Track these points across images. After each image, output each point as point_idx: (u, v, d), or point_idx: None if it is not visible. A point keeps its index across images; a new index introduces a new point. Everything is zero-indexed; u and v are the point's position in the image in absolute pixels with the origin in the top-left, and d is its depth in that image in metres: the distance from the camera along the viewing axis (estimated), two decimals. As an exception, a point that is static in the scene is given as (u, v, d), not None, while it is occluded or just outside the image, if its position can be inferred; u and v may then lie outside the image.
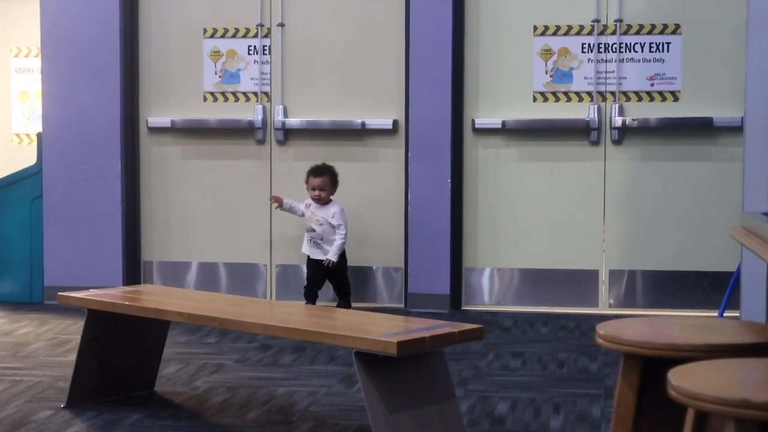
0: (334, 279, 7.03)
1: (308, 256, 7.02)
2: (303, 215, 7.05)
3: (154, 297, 5.01)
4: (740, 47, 6.51)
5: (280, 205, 7.07)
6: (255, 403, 4.94)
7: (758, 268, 4.90)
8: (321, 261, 6.93)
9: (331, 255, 6.89)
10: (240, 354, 5.98)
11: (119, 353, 4.97)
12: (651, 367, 2.88)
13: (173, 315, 4.60)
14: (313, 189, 6.97)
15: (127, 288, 5.56)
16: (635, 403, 2.91)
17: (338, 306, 6.91)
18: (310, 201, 7.01)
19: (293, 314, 4.64)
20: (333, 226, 6.93)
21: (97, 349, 4.90)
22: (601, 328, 3.00)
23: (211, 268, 7.61)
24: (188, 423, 4.65)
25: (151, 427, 4.56)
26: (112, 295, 5.00)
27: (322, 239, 6.94)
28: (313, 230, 6.96)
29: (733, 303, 6.14)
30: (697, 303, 7.04)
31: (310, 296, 7.04)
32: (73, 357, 5.04)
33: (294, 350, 6.03)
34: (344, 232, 6.93)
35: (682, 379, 2.34)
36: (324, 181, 6.96)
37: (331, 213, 6.94)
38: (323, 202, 6.99)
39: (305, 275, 7.09)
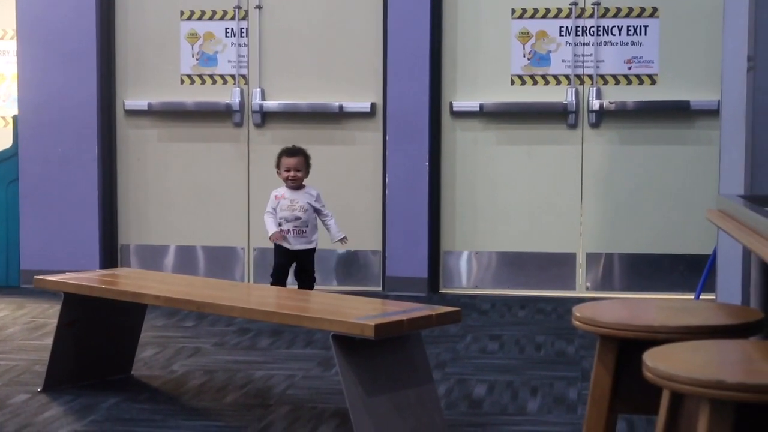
0: (306, 268, 6.48)
1: (280, 247, 6.41)
2: (275, 210, 6.43)
3: (132, 280, 5.00)
4: (717, 30, 6.54)
5: (280, 236, 6.37)
6: (233, 387, 4.94)
7: (734, 250, 4.93)
8: (299, 250, 6.39)
9: (341, 232, 6.43)
10: (218, 337, 5.98)
11: (96, 337, 4.95)
12: (627, 349, 2.89)
13: (150, 298, 4.58)
14: (288, 170, 6.41)
15: (104, 271, 5.55)
16: (611, 385, 2.92)
17: None
18: (280, 190, 6.43)
19: (271, 297, 4.64)
20: (316, 210, 6.43)
21: (73, 333, 4.89)
22: (578, 311, 3.01)
23: (188, 251, 7.59)
24: (166, 406, 4.64)
25: (128, 411, 4.55)
26: (89, 278, 4.98)
27: (307, 226, 6.40)
28: (298, 218, 6.37)
29: (709, 286, 6.17)
30: (674, 286, 7.07)
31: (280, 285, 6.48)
32: (49, 341, 5.02)
33: (272, 334, 6.03)
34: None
35: (657, 361, 2.35)
36: (299, 161, 6.44)
37: (313, 196, 6.43)
38: (298, 184, 6.46)
39: (274, 265, 6.48)
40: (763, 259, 2.70)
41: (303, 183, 6.46)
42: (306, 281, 6.46)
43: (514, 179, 7.24)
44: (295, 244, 6.38)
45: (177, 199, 7.58)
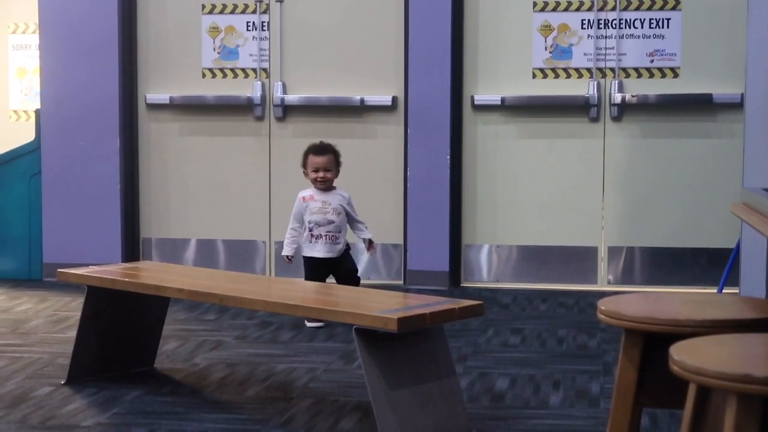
0: (349, 267, 5.99)
1: (312, 257, 5.93)
2: (304, 216, 5.95)
3: (154, 273, 5.01)
4: (740, 23, 6.50)
5: (290, 262, 6.06)
6: (254, 380, 4.95)
7: (758, 243, 4.90)
8: (332, 259, 5.93)
9: (372, 235, 6.04)
10: (239, 331, 5.98)
11: (119, 330, 4.96)
12: (652, 342, 2.88)
13: (173, 291, 4.60)
14: (316, 170, 5.93)
15: (127, 264, 5.57)
16: (637, 379, 2.91)
17: None
18: (308, 191, 5.98)
19: (293, 291, 4.64)
20: (348, 215, 5.97)
21: (96, 326, 4.90)
22: (603, 304, 3.00)
23: (209, 244, 7.60)
24: (188, 399, 4.65)
25: (150, 404, 4.56)
26: (112, 271, 4.99)
27: (340, 231, 5.94)
28: (331, 222, 5.90)
29: (732, 279, 6.15)
30: (696, 280, 7.05)
31: None
32: (72, 334, 5.04)
33: (293, 327, 6.03)
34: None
35: (684, 354, 2.34)
36: (329, 159, 5.96)
37: (345, 198, 5.98)
38: (328, 186, 5.98)
39: (306, 276, 5.99)
40: (789, 252, 2.69)
41: (333, 184, 6.04)
42: (351, 281, 5.86)
43: (536, 173, 7.22)
44: (327, 252, 5.91)
45: (198, 193, 7.59)
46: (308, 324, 5.96)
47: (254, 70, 7.49)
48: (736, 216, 3.49)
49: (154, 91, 7.58)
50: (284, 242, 6.03)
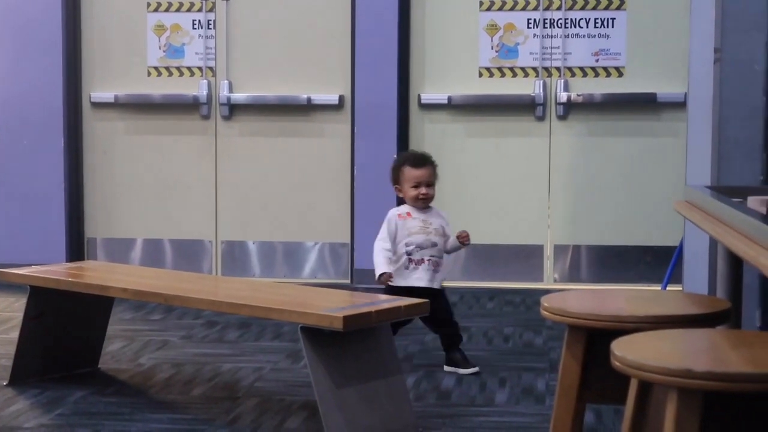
0: (445, 315, 4.99)
1: (408, 287, 4.86)
2: (396, 237, 4.94)
3: (98, 273, 4.97)
4: (684, 23, 6.56)
5: (390, 280, 4.92)
6: (200, 380, 4.92)
7: (700, 241, 4.96)
8: (432, 290, 4.88)
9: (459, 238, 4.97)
10: (185, 330, 5.95)
11: (63, 330, 4.91)
12: (595, 338, 2.90)
13: (117, 291, 4.56)
14: (417, 185, 4.95)
15: (71, 264, 5.52)
16: (580, 374, 2.93)
17: (454, 357, 4.99)
18: (403, 208, 5.02)
19: (239, 290, 4.62)
20: (447, 235, 5.01)
21: (40, 327, 4.85)
22: (546, 301, 3.02)
23: (156, 244, 7.55)
24: (133, 399, 4.62)
25: (95, 404, 4.52)
26: (56, 271, 4.94)
27: (442, 257, 4.97)
28: (434, 244, 4.92)
29: (676, 277, 6.21)
30: (641, 277, 7.11)
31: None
32: (15, 334, 4.98)
33: (240, 326, 6.01)
34: None
35: (625, 350, 2.36)
36: (430, 172, 5.01)
37: (444, 218, 5.06)
38: (429, 202, 5.02)
39: None
40: (729, 248, 2.72)
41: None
42: (451, 331, 5.02)
43: (483, 171, 7.25)
44: (429, 281, 4.91)
45: (144, 192, 7.54)
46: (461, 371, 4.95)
47: (200, 68, 7.45)
48: (680, 214, 3.53)
49: (98, 90, 7.51)
50: (376, 261, 4.91)
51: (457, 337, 5.04)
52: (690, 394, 2.22)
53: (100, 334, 5.09)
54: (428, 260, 4.90)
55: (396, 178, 5.05)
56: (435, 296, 4.78)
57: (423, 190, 4.95)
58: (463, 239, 4.96)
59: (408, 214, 4.96)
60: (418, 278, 4.90)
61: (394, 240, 4.93)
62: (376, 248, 4.93)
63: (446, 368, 5.02)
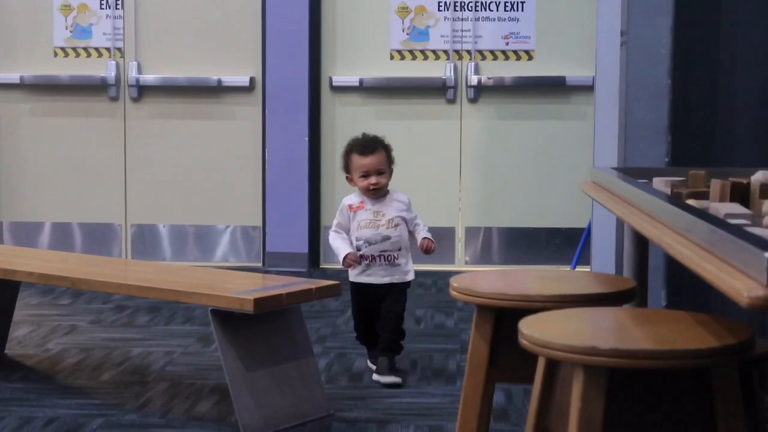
0: (393, 309, 4.57)
1: (359, 287, 4.59)
2: (349, 228, 4.60)
3: (4, 257, 4.87)
4: (592, 7, 6.63)
5: (355, 259, 4.53)
6: (109, 364, 4.86)
7: (608, 221, 5.02)
8: (388, 285, 4.55)
9: (429, 235, 4.63)
10: (94, 315, 5.87)
11: (-33, 315, 4.82)
12: (504, 318, 2.93)
13: (23, 275, 4.48)
14: (365, 175, 4.56)
15: (-25, 248, 5.40)
16: (488, 354, 2.95)
17: (380, 363, 4.56)
18: (354, 198, 4.63)
19: (148, 273, 4.57)
20: (406, 221, 4.61)
21: (-57, 312, 4.75)
22: (455, 281, 3.04)
23: (64, 228, 7.43)
24: (40, 385, 4.54)
25: (1, 390, 4.44)
26: (-41, 255, 4.84)
27: (399, 249, 4.57)
28: (387, 238, 4.55)
29: (585, 259, 6.28)
30: (551, 259, 7.19)
31: (372, 338, 4.65)
32: None
33: (150, 310, 5.95)
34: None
35: (533, 329, 2.38)
36: (379, 158, 4.59)
37: (403, 203, 4.62)
38: (382, 192, 4.62)
39: (354, 312, 4.70)
40: (635, 228, 2.76)
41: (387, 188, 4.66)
42: (390, 338, 4.57)
43: (394, 154, 7.23)
44: (383, 277, 4.56)
45: (52, 175, 7.41)
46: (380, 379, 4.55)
47: (108, 49, 7.34)
48: (587, 195, 3.57)
49: (3, 71, 7.36)
50: (334, 247, 4.59)
51: (395, 345, 4.58)
52: (595, 371, 2.25)
53: (5, 319, 5.00)
54: (379, 257, 4.52)
55: (346, 166, 4.64)
56: (391, 292, 4.53)
57: (373, 179, 4.54)
58: (429, 249, 4.58)
59: (361, 204, 4.57)
60: (372, 275, 4.54)
61: (348, 231, 4.57)
62: (330, 237, 4.61)
63: (368, 363, 4.69)
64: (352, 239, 4.56)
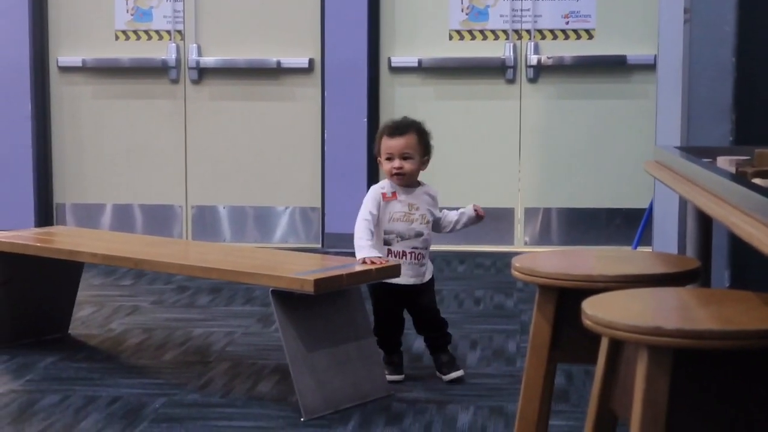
0: (429, 306, 4.34)
1: (382, 286, 4.22)
2: (377, 221, 4.22)
3: (68, 238, 4.93)
4: (653, -15, 6.55)
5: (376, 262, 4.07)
6: (171, 345, 4.91)
7: (670, 200, 4.97)
8: (414, 287, 4.27)
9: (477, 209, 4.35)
10: (156, 296, 5.93)
11: (32, 296, 4.88)
12: (566, 298, 2.90)
13: (87, 256, 4.53)
14: (390, 158, 4.25)
15: (40, 229, 5.47)
16: (550, 335, 2.93)
17: (438, 361, 4.35)
18: (390, 188, 4.26)
19: (210, 254, 4.60)
20: (432, 219, 4.31)
21: (8, 293, 4.82)
22: (517, 261, 3.02)
23: (125, 209, 7.51)
24: (103, 365, 4.60)
25: (65, 370, 4.50)
26: (24, 236, 4.91)
27: (427, 248, 4.30)
28: (419, 234, 4.25)
29: (646, 239, 6.23)
30: (611, 240, 7.13)
31: (394, 346, 4.36)
32: (-16, 300, 4.95)
33: (211, 291, 5.99)
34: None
35: (596, 309, 2.36)
36: (408, 142, 4.26)
37: (433, 198, 4.33)
38: (408, 180, 4.28)
39: (375, 313, 4.34)
40: (698, 208, 2.72)
41: (419, 179, 4.34)
42: (437, 334, 4.36)
43: (453, 135, 7.23)
44: (411, 277, 4.25)
45: (113, 157, 7.48)
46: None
47: (168, 32, 7.39)
48: (649, 174, 3.53)
49: (66, 54, 7.44)
50: (358, 245, 4.12)
51: (443, 340, 4.36)
52: (660, 351, 2.22)
53: (69, 299, 5.06)
54: (410, 253, 4.22)
55: (377, 149, 4.33)
56: (419, 293, 4.29)
57: (396, 163, 4.20)
58: (480, 213, 4.35)
59: (394, 194, 4.24)
60: (402, 276, 4.18)
61: (377, 217, 4.21)
62: (358, 228, 4.15)
63: (386, 375, 4.25)
64: (380, 231, 4.22)
